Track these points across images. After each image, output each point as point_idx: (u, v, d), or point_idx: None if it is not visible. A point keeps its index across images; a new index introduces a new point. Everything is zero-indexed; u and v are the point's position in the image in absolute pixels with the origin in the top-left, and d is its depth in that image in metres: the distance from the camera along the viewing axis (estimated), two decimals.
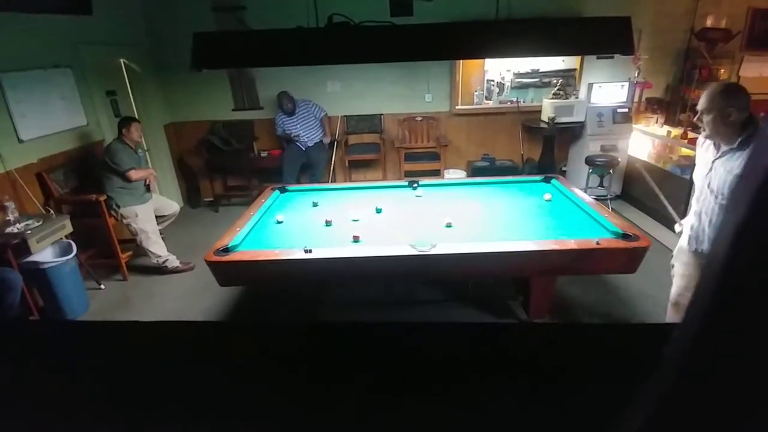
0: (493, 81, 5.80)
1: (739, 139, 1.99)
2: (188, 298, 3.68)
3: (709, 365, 0.32)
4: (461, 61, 5.43)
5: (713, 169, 2.09)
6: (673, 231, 2.53)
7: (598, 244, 2.53)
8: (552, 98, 5.33)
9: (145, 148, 4.57)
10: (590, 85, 5.32)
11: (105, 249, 3.97)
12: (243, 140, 5.68)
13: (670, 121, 5.37)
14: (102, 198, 3.70)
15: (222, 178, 6.02)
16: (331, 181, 5.72)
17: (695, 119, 2.10)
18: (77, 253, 3.45)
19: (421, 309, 3.36)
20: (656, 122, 5.19)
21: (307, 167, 5.49)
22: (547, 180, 3.81)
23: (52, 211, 3.51)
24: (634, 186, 5.26)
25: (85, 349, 0.80)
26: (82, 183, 4.07)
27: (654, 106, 5.47)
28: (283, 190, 3.90)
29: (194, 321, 2.40)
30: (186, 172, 5.94)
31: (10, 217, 3.14)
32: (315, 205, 3.56)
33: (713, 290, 0.28)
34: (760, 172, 0.23)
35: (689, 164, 4.28)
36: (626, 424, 0.38)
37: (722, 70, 5.37)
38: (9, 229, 3.04)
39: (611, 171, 4.98)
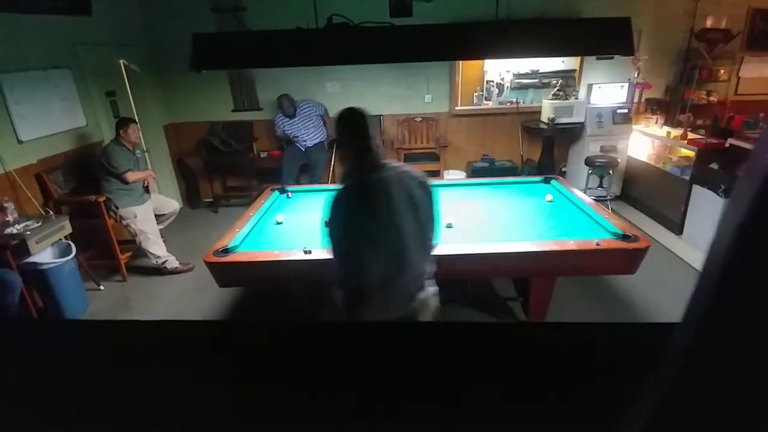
0: (492, 82, 5.80)
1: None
2: (187, 299, 3.68)
3: (710, 364, 0.32)
4: (461, 61, 5.43)
5: None
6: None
7: (597, 245, 2.53)
8: (552, 99, 5.33)
9: (145, 149, 4.57)
10: (590, 86, 5.33)
11: (104, 250, 3.97)
12: (242, 141, 5.68)
13: (669, 121, 5.37)
14: (101, 199, 3.70)
15: (221, 179, 6.01)
16: (331, 182, 5.71)
17: None
18: (76, 254, 3.45)
19: None
20: (656, 123, 5.19)
21: (307, 168, 5.49)
22: (546, 181, 3.81)
23: (51, 212, 3.50)
24: (633, 187, 5.26)
25: (85, 349, 0.80)
26: (82, 184, 4.07)
27: (653, 106, 5.47)
28: (282, 191, 3.89)
29: (195, 320, 2.40)
30: (185, 172, 5.94)
31: (10, 218, 3.14)
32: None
33: (714, 289, 0.28)
34: (763, 169, 0.23)
35: (689, 165, 4.28)
36: (628, 424, 0.38)
37: (722, 71, 5.38)
38: (8, 230, 3.04)
39: (611, 172, 4.98)
